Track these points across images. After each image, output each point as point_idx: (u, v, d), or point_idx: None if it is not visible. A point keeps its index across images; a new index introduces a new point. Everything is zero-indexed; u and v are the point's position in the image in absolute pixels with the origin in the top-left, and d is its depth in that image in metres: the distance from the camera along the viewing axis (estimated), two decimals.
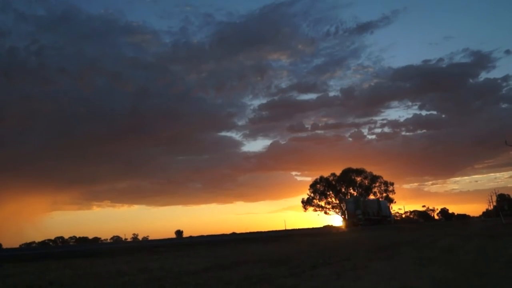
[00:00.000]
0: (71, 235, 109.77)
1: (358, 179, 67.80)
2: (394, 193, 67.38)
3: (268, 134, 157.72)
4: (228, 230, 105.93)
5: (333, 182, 68.37)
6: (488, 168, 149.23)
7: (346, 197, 56.97)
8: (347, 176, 67.66)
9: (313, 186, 69.43)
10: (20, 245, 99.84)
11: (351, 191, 67.55)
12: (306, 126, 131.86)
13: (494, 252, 12.65)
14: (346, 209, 50.97)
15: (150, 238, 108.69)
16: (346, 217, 50.16)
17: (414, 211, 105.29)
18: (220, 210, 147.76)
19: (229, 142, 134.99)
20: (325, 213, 68.81)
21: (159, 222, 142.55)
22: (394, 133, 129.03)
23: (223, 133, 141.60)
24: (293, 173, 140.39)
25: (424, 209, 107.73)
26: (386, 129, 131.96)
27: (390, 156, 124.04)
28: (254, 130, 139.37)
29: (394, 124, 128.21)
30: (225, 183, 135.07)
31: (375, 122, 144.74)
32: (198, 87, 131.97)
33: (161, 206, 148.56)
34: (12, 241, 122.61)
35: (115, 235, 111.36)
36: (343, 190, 67.79)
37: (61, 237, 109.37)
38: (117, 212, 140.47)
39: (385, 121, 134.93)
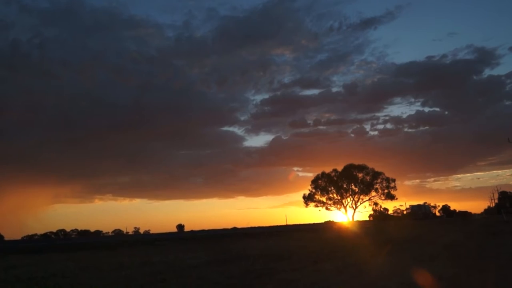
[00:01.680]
0: (73, 228, 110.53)
1: (360, 175, 67.40)
2: (396, 189, 67.03)
3: (270, 130, 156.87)
4: (229, 225, 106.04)
5: (335, 178, 68.13)
6: (490, 165, 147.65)
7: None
8: (349, 172, 67.35)
9: (314, 181, 69.23)
10: (22, 237, 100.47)
11: (353, 187, 67.38)
12: (309, 121, 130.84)
13: (496, 250, 12.63)
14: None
15: (151, 231, 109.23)
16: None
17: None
18: (221, 205, 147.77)
19: (231, 137, 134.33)
20: (327, 209, 68.67)
21: (160, 216, 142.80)
22: (396, 130, 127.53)
23: (226, 128, 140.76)
24: (295, 168, 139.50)
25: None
26: (388, 126, 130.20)
27: (392, 153, 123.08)
28: (256, 125, 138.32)
29: (397, 120, 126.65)
30: (227, 178, 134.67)
31: (378, 118, 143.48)
32: (201, 81, 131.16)
33: (163, 200, 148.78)
34: (14, 233, 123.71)
35: (117, 228, 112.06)
36: (344, 186, 67.62)
37: (63, 230, 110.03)
38: (119, 205, 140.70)
39: (387, 118, 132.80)
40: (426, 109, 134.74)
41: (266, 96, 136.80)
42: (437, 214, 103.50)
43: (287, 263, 10.64)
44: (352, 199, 67.26)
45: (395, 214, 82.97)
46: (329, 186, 67.77)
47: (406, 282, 7.17)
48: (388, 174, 67.40)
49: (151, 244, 26.31)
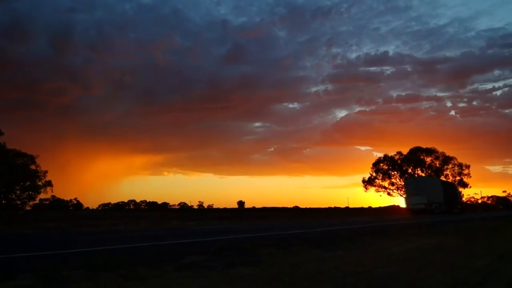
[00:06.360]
0: (142, 199, 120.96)
1: (428, 159, 62.87)
2: (470, 177, 61.46)
3: (338, 107, 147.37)
4: (290, 204, 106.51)
5: (399, 162, 64.39)
6: None
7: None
8: (415, 156, 63.17)
9: (375, 165, 66.17)
10: (98, 206, 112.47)
11: (419, 172, 63.24)
12: (378, 99, 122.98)
13: None
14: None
15: (214, 206, 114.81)
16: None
17: (493, 197, 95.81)
18: (284, 183, 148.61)
19: (298, 114, 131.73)
20: (388, 194, 65.51)
21: (224, 191, 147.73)
22: (483, 108, 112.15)
23: (293, 105, 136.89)
24: (363, 148, 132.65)
25: (504, 194, 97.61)
26: (474, 103, 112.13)
27: (474, 135, 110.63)
28: (323, 102, 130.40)
29: (485, 98, 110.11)
30: (291, 156, 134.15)
31: (461, 95, 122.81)
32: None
33: (228, 175, 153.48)
34: (92, 202, 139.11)
35: (182, 201, 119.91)
36: (409, 171, 63.70)
37: (133, 200, 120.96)
38: (186, 179, 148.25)
39: (473, 95, 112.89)
40: None
41: (334, 71, 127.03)
42: None
43: None
44: None
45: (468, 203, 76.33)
46: (392, 170, 64.39)
47: None
48: (465, 158, 62.45)
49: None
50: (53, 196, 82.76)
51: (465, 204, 37.33)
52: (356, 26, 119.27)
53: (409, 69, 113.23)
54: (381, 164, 64.64)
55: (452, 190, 46.75)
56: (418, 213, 35.99)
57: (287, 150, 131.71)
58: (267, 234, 11.31)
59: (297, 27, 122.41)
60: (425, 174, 62.21)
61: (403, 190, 64.65)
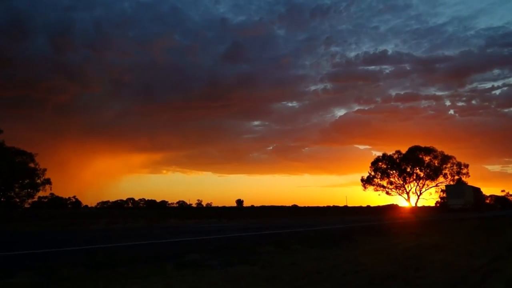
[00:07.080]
0: (141, 197, 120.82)
1: (427, 158, 62.85)
2: (469, 176, 61.54)
3: (337, 105, 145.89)
4: (289, 202, 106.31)
5: (397, 161, 64.41)
6: None
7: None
8: (414, 155, 63.17)
9: (374, 164, 66.16)
10: (96, 204, 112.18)
11: (418, 171, 63.29)
12: (377, 98, 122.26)
13: None
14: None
15: (213, 205, 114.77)
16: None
17: (491, 196, 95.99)
18: (283, 181, 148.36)
19: (297, 113, 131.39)
20: (387, 193, 65.45)
21: (223, 190, 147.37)
22: (482, 107, 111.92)
23: (292, 104, 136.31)
24: (362, 147, 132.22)
25: (503, 194, 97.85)
26: (473, 102, 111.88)
27: (473, 134, 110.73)
28: (322, 100, 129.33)
29: (484, 97, 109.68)
30: (290, 154, 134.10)
31: (460, 94, 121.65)
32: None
33: (227, 174, 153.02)
34: (90, 200, 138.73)
35: (181, 199, 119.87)
36: (408, 170, 63.76)
37: (132, 198, 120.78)
38: (184, 177, 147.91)
39: (472, 94, 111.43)
40: None
41: (333, 70, 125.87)
42: None
43: None
44: (416, 184, 63.43)
45: None
46: (391, 169, 64.39)
47: None
48: (464, 158, 62.47)
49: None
50: (52, 194, 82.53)
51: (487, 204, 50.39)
52: (355, 24, 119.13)
53: (408, 68, 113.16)
54: (380, 163, 64.63)
55: (479, 194, 57.45)
56: (455, 211, 44.60)
57: (286, 149, 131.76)
58: (266, 233, 11.32)
59: (296, 25, 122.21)
60: (424, 173, 62.39)
61: (401, 189, 65.25)
